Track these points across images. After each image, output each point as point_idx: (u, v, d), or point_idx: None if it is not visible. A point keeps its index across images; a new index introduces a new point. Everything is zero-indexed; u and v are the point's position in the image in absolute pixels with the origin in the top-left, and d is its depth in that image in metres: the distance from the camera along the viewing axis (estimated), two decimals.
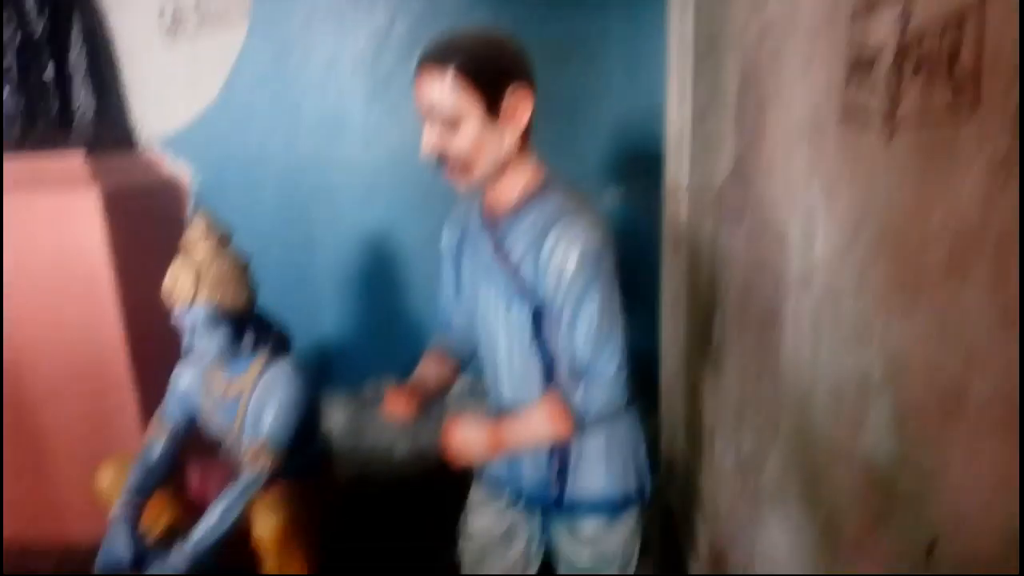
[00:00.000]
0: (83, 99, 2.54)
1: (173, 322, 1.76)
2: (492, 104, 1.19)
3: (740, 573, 1.75)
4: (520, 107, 1.21)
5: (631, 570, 1.50)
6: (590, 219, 1.22)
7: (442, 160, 1.24)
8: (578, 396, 1.26)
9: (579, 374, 1.28)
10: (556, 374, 1.34)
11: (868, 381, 1.01)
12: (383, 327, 3.01)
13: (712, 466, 2.10)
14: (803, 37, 1.24)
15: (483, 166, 1.24)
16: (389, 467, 3.08)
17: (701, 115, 2.04)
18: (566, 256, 1.20)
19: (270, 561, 1.82)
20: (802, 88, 1.24)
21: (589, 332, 1.24)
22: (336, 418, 3.10)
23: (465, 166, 1.23)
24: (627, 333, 1.28)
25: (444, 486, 2.83)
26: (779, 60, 1.37)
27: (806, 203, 1.22)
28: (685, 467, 2.59)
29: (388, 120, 2.82)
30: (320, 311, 2.99)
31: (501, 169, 1.26)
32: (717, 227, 1.92)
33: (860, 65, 0.98)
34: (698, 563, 2.19)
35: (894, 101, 0.89)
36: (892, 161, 0.91)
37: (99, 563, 1.77)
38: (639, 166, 2.77)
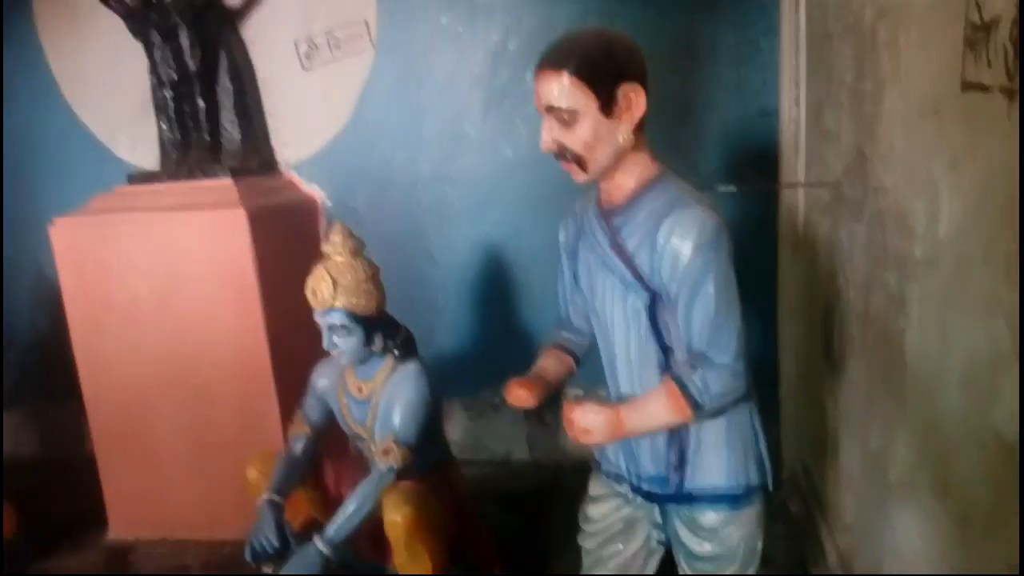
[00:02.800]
0: (229, 128, 2.81)
1: (313, 324, 1.89)
2: (606, 101, 1.25)
3: (867, 574, 1.69)
4: (633, 103, 1.27)
5: (754, 567, 1.47)
6: (705, 208, 1.25)
7: (560, 155, 1.31)
8: (696, 383, 1.27)
9: (696, 362, 1.29)
10: (673, 363, 1.35)
11: (999, 353, 0.98)
12: (499, 337, 3.09)
13: (837, 470, 2.04)
14: (920, 13, 1.23)
15: (599, 159, 1.30)
16: (507, 475, 3.13)
17: (817, 109, 2.01)
18: (681, 243, 1.23)
19: (399, 554, 1.90)
20: (921, 65, 1.23)
21: (705, 319, 1.26)
22: (454, 427, 3.17)
23: (582, 160, 1.30)
24: (744, 323, 1.28)
25: (561, 493, 2.87)
26: (896, 40, 1.37)
27: (929, 181, 1.20)
28: (807, 477, 2.51)
29: (503, 134, 2.93)
30: (438, 322, 3.10)
31: (617, 162, 1.32)
32: (836, 223, 1.89)
33: (978, 36, 0.97)
34: (825, 570, 2.12)
35: (1013, 70, 0.89)
36: (1014, 128, 0.90)
37: (248, 551, 1.91)
38: (752, 167, 2.74)
